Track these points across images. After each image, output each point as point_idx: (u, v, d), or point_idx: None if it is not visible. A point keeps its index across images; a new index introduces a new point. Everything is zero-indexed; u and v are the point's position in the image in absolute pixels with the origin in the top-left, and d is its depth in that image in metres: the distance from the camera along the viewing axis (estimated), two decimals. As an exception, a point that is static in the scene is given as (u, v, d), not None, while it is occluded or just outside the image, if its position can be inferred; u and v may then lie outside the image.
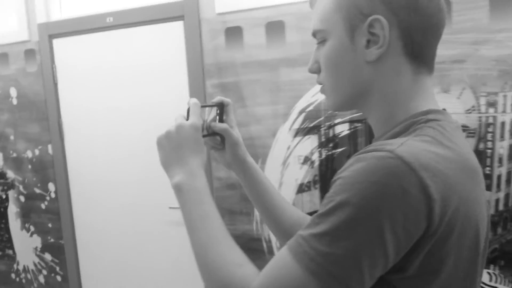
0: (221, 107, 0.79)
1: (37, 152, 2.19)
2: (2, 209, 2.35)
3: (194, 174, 0.65)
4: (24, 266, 2.36)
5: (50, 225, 2.23)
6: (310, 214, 1.14)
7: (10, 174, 2.29)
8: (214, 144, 0.81)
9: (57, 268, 2.26)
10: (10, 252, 2.38)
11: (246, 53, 1.70)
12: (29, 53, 2.12)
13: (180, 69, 1.84)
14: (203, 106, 0.72)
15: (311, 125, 1.63)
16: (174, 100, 1.88)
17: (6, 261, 2.40)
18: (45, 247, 2.28)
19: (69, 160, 2.16)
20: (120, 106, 2.00)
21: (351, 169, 0.50)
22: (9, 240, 2.37)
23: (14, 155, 2.25)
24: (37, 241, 2.29)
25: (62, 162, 2.14)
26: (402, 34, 0.57)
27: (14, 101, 2.20)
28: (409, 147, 0.50)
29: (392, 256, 0.48)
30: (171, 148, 0.67)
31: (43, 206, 2.23)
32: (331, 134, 1.62)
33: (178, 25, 1.82)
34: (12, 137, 2.25)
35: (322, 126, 1.62)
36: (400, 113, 0.59)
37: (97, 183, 2.12)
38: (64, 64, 2.08)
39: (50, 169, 2.17)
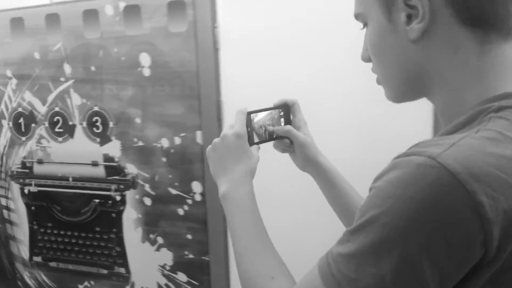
0: (286, 108, 0.80)
1: (177, 140, 1.65)
2: (113, 215, 1.79)
3: (237, 182, 0.69)
4: (142, 288, 1.82)
5: (189, 236, 1.71)
6: None
7: (131, 169, 1.73)
8: (284, 147, 0.83)
9: (195, 292, 1.75)
10: (122, 270, 1.83)
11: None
12: (176, 6, 1.57)
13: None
14: (254, 112, 0.76)
15: None
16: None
17: (115, 281, 1.85)
18: (179, 265, 1.75)
19: (226, 152, 1.64)
20: (314, 88, 1.50)
21: (385, 178, 0.42)
22: (122, 255, 1.82)
23: (140, 143, 1.70)
24: (166, 256, 1.76)
25: (218, 154, 1.61)
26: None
27: (146, 72, 1.64)
28: (461, 149, 0.39)
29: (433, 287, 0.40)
30: (217, 158, 0.72)
31: (180, 211, 1.70)
32: None
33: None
34: (138, 120, 1.69)
35: None
36: (467, 98, 0.47)
37: (263, 188, 1.61)
38: (229, 25, 1.55)
39: (198, 163, 1.64)
